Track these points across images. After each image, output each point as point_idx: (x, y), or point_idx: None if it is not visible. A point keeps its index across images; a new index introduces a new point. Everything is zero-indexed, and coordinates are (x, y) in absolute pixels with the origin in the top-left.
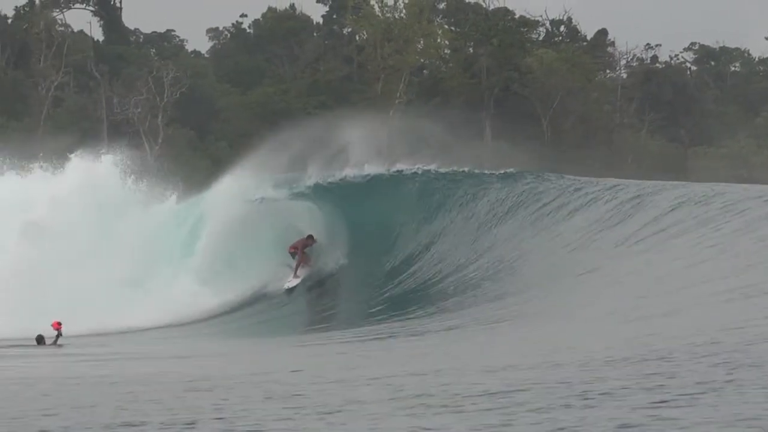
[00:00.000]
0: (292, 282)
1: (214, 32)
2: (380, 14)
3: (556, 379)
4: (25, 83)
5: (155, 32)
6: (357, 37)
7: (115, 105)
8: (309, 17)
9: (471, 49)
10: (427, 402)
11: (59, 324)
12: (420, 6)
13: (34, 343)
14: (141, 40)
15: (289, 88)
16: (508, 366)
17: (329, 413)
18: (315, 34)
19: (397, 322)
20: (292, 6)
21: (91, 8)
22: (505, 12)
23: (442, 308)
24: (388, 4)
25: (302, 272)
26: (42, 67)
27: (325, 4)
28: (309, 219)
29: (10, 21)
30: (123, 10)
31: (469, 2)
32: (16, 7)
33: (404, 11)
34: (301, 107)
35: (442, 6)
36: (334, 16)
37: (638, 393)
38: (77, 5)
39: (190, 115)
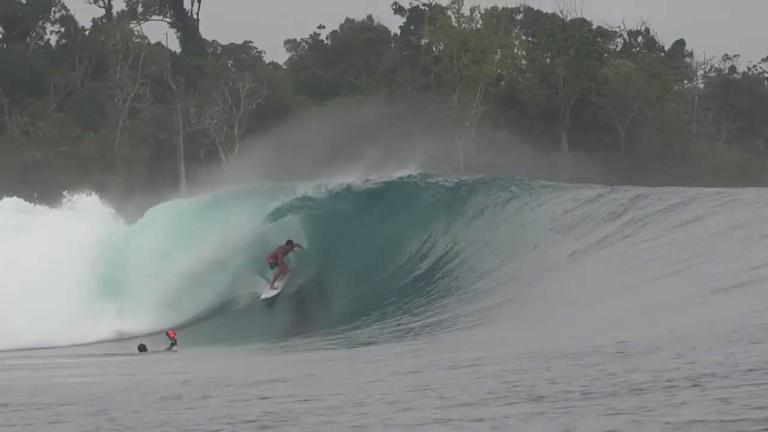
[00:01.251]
0: (269, 293)
1: (291, 44)
2: (457, 25)
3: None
4: (101, 94)
5: (233, 44)
6: (434, 48)
7: (192, 116)
8: (386, 28)
9: (548, 60)
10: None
11: (174, 333)
12: (497, 17)
13: (137, 351)
14: (219, 51)
15: (366, 99)
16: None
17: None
18: (392, 45)
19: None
20: (370, 17)
21: (168, 20)
22: (582, 23)
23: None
24: (465, 15)
25: (280, 284)
26: (118, 78)
27: (403, 16)
28: (291, 228)
29: (87, 33)
30: (200, 21)
31: (546, 13)
32: (94, 18)
33: (481, 22)
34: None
35: (519, 17)
36: (412, 27)
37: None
38: (154, 17)
39: (267, 126)
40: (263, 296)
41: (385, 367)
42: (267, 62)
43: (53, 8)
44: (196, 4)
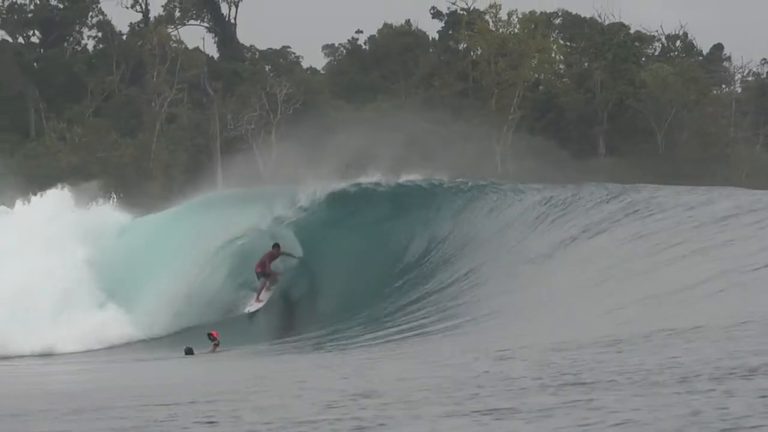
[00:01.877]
0: (253, 306)
1: (330, 48)
2: (494, 29)
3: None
4: (139, 99)
5: (271, 49)
6: (471, 53)
7: (229, 121)
8: (424, 33)
9: (585, 64)
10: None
11: (216, 333)
12: (534, 21)
13: (183, 354)
14: (256, 56)
15: (404, 103)
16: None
17: None
18: (430, 50)
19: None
20: (408, 22)
21: (205, 25)
22: (620, 27)
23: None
24: (503, 19)
25: (266, 296)
26: (156, 83)
27: (441, 20)
28: (279, 234)
29: (124, 37)
30: (238, 26)
31: (584, 18)
32: (131, 23)
33: (518, 26)
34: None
35: (557, 21)
36: (450, 32)
37: None
38: (192, 22)
39: (304, 132)
40: (247, 309)
41: (419, 361)
42: (305, 67)
43: (90, 13)
44: (233, 8)
